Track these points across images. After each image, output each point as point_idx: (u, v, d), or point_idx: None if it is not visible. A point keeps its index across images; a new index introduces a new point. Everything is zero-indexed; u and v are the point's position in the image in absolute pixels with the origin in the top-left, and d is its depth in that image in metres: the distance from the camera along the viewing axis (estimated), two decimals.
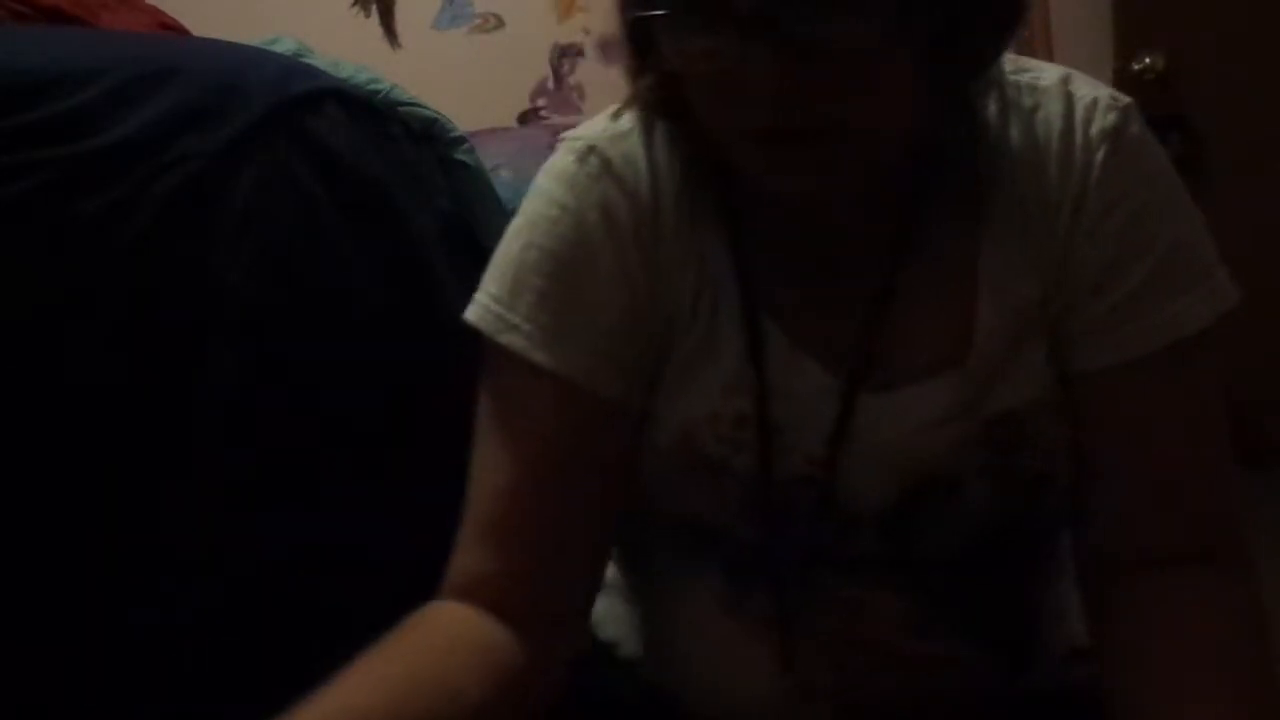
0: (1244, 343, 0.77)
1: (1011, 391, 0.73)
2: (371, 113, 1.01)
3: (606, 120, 0.78)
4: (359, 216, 0.95)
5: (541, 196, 0.76)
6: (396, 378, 0.96)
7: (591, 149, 0.76)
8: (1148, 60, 2.90)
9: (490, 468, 0.74)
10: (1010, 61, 0.75)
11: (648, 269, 0.74)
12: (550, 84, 3.11)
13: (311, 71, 1.02)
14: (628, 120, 0.77)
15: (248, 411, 0.90)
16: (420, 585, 0.95)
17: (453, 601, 0.73)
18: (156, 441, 0.88)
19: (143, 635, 0.88)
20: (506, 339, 0.74)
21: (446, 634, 0.71)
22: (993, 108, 0.74)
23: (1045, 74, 0.75)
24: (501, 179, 1.38)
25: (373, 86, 1.09)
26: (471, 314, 0.76)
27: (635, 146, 0.76)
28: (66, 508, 0.86)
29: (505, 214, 1.18)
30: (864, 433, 0.73)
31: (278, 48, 1.14)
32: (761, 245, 0.74)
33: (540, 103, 3.12)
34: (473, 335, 0.76)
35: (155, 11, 1.24)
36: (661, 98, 0.72)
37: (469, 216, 1.10)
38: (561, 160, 0.77)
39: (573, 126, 0.79)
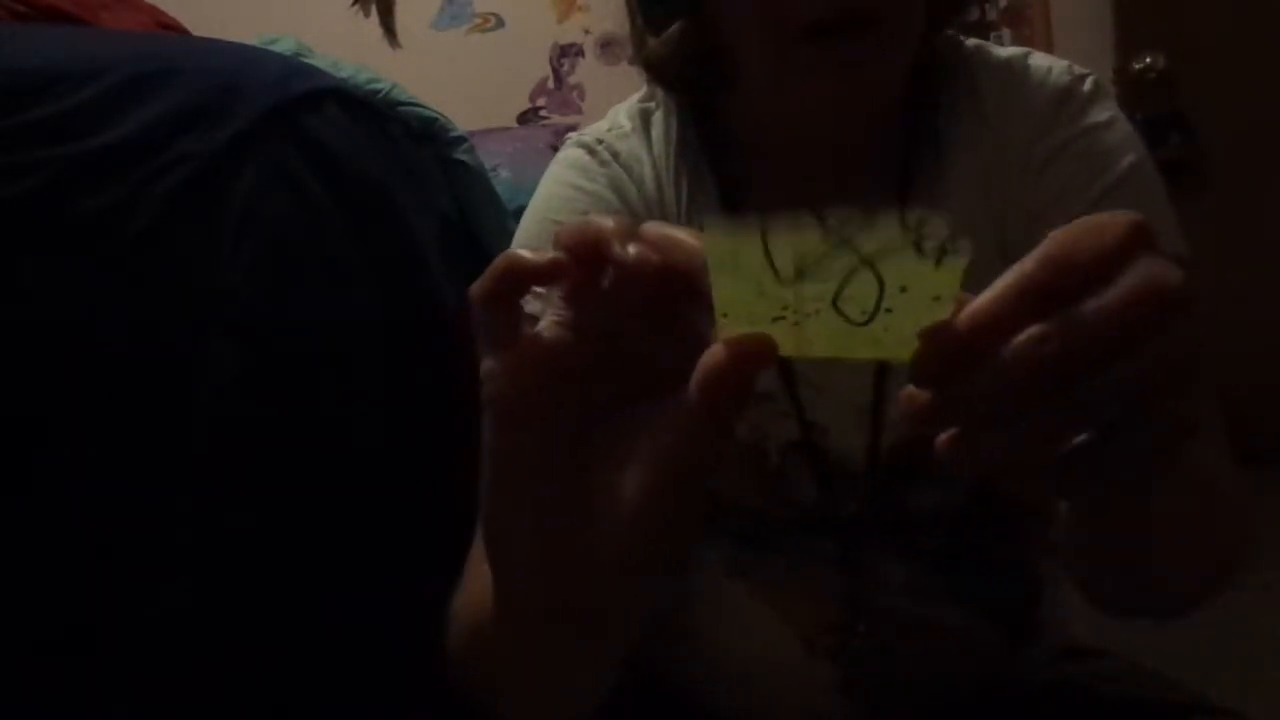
0: (1241, 339, 0.78)
1: None
2: (371, 113, 1.02)
3: (608, 122, 0.85)
4: (359, 216, 0.95)
5: (557, 181, 0.82)
6: (396, 376, 0.96)
7: (600, 141, 0.83)
8: (1148, 60, 2.91)
9: None
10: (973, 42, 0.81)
11: None
12: (550, 84, 3.11)
13: (311, 71, 1.02)
14: (626, 121, 0.85)
15: (247, 411, 0.90)
16: (418, 583, 0.95)
17: None
18: (155, 440, 0.88)
19: (139, 633, 0.88)
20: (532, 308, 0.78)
21: None
22: (955, 69, 0.79)
23: (1005, 48, 0.81)
24: (501, 179, 1.38)
25: (373, 86, 1.09)
26: None
27: (636, 143, 0.83)
28: (65, 506, 0.86)
29: (505, 214, 1.18)
30: (851, 393, 0.77)
31: (278, 48, 1.14)
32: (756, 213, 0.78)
33: (540, 103, 3.12)
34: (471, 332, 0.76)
35: (155, 11, 1.24)
36: (673, 67, 0.79)
37: (469, 216, 1.10)
38: (573, 153, 0.83)
39: (573, 126, 0.83)
